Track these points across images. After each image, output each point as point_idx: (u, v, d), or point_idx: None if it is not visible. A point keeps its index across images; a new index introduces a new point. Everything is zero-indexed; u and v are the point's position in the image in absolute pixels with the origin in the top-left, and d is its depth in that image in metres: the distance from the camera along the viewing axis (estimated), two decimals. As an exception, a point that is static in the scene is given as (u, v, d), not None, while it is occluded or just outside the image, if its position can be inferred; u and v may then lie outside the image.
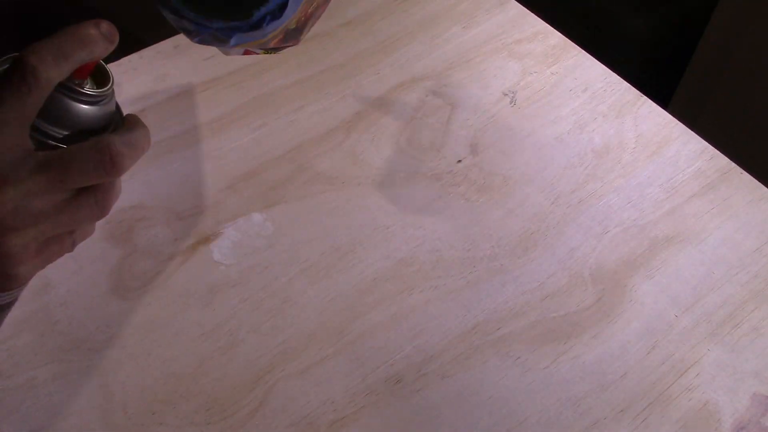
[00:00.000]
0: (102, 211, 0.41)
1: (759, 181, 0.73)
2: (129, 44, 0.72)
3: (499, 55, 0.83)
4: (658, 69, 1.55)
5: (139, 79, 0.79)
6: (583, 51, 0.84)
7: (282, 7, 0.44)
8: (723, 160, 0.74)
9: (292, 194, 0.70)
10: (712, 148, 0.75)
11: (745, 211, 0.70)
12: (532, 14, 0.88)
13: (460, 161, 0.74)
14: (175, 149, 0.73)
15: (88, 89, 0.41)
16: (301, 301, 0.63)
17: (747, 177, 0.73)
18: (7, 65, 0.39)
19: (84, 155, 0.38)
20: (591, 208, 0.70)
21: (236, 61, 0.82)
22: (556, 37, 0.86)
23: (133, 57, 0.81)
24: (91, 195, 0.41)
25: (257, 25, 0.45)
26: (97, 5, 0.80)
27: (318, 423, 0.56)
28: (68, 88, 0.40)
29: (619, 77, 0.82)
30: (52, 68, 0.37)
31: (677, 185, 0.72)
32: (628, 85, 0.81)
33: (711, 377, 0.60)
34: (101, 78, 0.42)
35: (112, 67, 0.88)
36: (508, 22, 0.87)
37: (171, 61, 0.82)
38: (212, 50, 0.83)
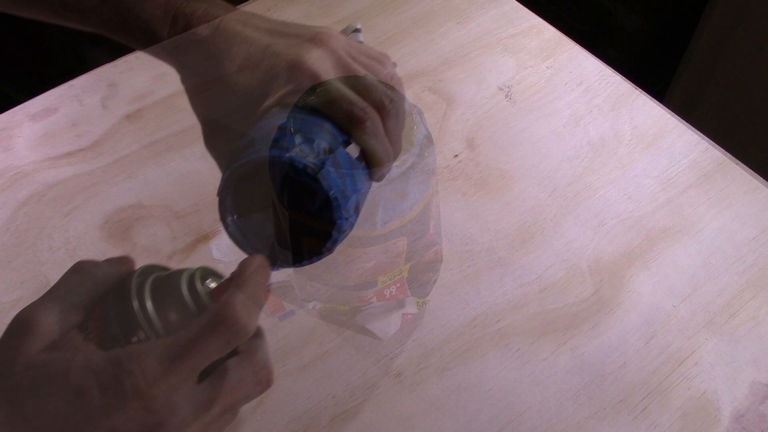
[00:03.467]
0: None
1: (754, 172, 0.73)
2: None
3: (494, 50, 0.84)
4: (652, 62, 1.55)
5: (137, 78, 0.79)
6: (578, 45, 0.85)
7: None
8: (717, 152, 0.75)
9: (290, 191, 0.70)
10: (707, 140, 0.76)
11: (740, 201, 0.71)
12: (526, 9, 0.88)
13: (456, 156, 0.74)
14: (174, 148, 0.73)
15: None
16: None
17: (742, 168, 0.73)
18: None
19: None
20: (587, 201, 0.70)
21: (232, 59, 0.82)
22: (550, 31, 0.86)
23: (131, 57, 0.82)
24: None
25: None
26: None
27: (319, 417, 0.57)
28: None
29: (613, 71, 0.82)
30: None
31: (673, 177, 0.72)
32: (623, 78, 0.81)
33: (709, 366, 0.60)
34: None
35: (109, 67, 0.88)
36: (503, 17, 0.87)
37: (167, 60, 0.82)
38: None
